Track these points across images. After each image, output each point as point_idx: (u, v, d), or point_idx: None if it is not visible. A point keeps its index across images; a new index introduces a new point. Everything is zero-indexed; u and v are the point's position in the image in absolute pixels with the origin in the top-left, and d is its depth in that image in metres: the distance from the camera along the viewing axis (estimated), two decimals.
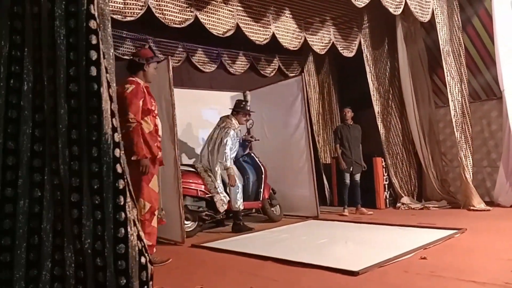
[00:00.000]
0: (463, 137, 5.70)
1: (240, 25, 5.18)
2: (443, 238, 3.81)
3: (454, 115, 5.66)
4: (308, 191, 5.68)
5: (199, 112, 6.22)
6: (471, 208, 5.46)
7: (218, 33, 4.95)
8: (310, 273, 3.02)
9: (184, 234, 4.31)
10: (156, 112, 3.61)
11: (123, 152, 1.70)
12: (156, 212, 3.50)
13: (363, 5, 4.96)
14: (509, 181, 5.49)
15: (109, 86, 1.71)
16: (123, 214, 1.61)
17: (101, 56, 1.67)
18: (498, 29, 5.39)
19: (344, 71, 7.58)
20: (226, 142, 4.97)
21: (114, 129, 1.65)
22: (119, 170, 1.63)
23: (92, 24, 1.64)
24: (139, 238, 1.64)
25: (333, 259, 3.33)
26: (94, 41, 1.65)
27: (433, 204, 6.14)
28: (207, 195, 4.88)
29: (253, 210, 5.66)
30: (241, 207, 5.03)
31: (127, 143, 3.20)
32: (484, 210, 5.35)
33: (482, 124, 6.32)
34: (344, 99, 7.62)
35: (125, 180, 1.64)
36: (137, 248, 1.61)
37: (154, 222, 3.51)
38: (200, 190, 4.86)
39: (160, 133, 3.64)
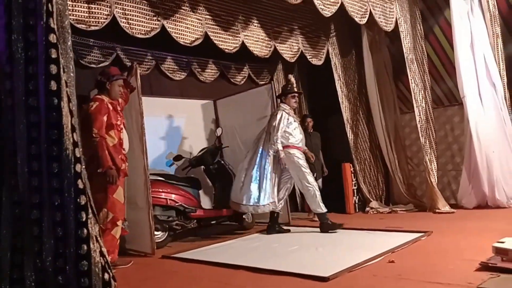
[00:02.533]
0: (427, 142, 5.88)
1: (209, 33, 5.18)
2: (410, 241, 3.90)
3: (419, 121, 5.83)
4: None
5: (170, 120, 6.16)
6: (437, 210, 5.62)
7: (185, 43, 4.93)
8: (281, 280, 3.03)
9: (154, 245, 4.24)
10: (121, 126, 3.82)
11: (84, 167, 1.67)
12: (119, 223, 3.66)
13: (330, 14, 5.06)
14: (471, 184, 5.69)
15: (69, 100, 1.68)
16: (85, 230, 1.57)
17: (61, 70, 1.63)
18: (457, 37, 5.58)
19: (313, 78, 7.69)
20: (274, 124, 4.86)
21: (75, 144, 1.62)
22: (81, 185, 1.60)
23: (52, 37, 1.60)
24: (101, 254, 1.61)
25: (304, 265, 3.36)
26: (54, 55, 1.61)
27: (400, 207, 6.29)
28: (177, 204, 4.83)
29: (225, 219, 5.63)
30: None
31: (94, 156, 3.38)
32: (449, 213, 5.52)
33: (446, 129, 6.55)
34: (313, 106, 7.73)
35: (87, 196, 1.61)
36: (100, 265, 1.58)
37: (116, 232, 3.66)
38: (170, 199, 4.81)
39: (124, 146, 3.84)
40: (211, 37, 5.20)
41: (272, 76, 7.44)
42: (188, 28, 4.97)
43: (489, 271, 2.70)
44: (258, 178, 4.88)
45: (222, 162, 5.63)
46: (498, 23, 5.59)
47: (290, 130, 4.93)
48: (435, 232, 4.22)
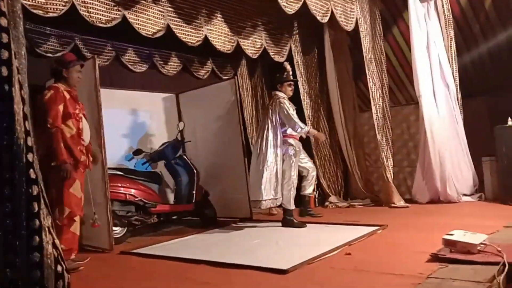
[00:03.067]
0: (384, 140, 6.07)
1: (171, 26, 5.09)
2: (367, 234, 4.03)
3: (376, 119, 6.01)
4: (241, 193, 5.73)
5: (130, 113, 6.03)
6: (392, 205, 5.82)
7: (147, 34, 4.82)
8: (241, 274, 3.05)
9: (113, 241, 4.14)
10: (80, 115, 3.63)
11: (36, 156, 1.60)
12: (76, 218, 3.50)
13: (293, 12, 5.10)
14: (425, 180, 5.94)
15: (21, 88, 1.60)
16: (37, 222, 1.51)
17: (13, 55, 1.56)
18: (414, 39, 5.78)
19: (277, 75, 7.74)
20: (286, 111, 4.78)
21: (27, 133, 1.55)
22: (33, 175, 1.53)
23: (3, 21, 1.52)
24: (54, 246, 1.56)
25: (264, 259, 3.40)
26: (4, 40, 1.54)
27: (358, 202, 6.48)
28: (136, 199, 4.75)
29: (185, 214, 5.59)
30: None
31: (49, 148, 3.25)
32: (404, 207, 5.74)
33: (403, 127, 6.80)
34: None
35: (39, 186, 1.55)
36: (52, 257, 1.52)
37: (74, 228, 3.52)
38: (129, 194, 4.71)
39: (84, 136, 3.66)
40: (174, 30, 5.11)
41: (236, 71, 7.42)
42: (150, 19, 4.86)
43: (439, 262, 2.84)
44: (266, 173, 4.77)
45: (184, 157, 5.58)
46: (452, 27, 5.84)
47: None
48: (390, 226, 4.38)
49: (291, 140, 4.96)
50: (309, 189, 5.48)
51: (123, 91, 5.86)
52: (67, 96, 3.56)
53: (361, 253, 3.40)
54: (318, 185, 6.77)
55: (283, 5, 4.89)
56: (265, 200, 4.70)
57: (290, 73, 5.26)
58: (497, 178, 5.47)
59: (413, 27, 5.76)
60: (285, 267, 3.01)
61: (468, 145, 5.80)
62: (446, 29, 5.83)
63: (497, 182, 5.49)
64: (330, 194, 6.75)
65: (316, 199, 6.72)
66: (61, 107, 3.47)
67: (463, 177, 5.77)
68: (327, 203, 6.60)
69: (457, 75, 5.88)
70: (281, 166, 4.83)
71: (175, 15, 5.13)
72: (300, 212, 5.33)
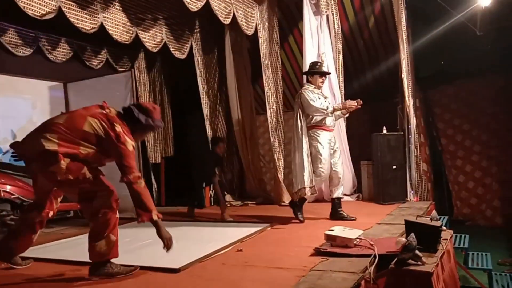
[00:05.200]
0: (277, 142, 6.37)
1: (63, 9, 4.67)
2: (258, 231, 4.21)
3: (270, 122, 6.29)
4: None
5: (9, 101, 5.42)
6: (282, 203, 6.16)
7: (34, 14, 4.34)
8: (134, 274, 2.95)
9: None
10: None
11: None
12: None
13: (196, 9, 5.07)
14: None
15: None
16: None
17: None
18: (307, 48, 6.11)
19: (176, 71, 7.65)
20: (306, 100, 4.51)
21: None
22: None
23: None
24: None
25: (156, 258, 3.32)
26: None
27: (251, 201, 6.71)
28: (13, 197, 4.29)
29: (71, 213, 5.21)
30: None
31: None
32: None
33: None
34: (176, 100, 7.68)
35: None
36: None
37: None
38: (4, 191, 4.24)
39: None
40: (66, 13, 4.71)
41: (133, 63, 7.14)
42: None
43: (321, 256, 3.10)
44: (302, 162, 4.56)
45: None
46: (341, 41, 6.37)
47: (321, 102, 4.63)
48: (279, 223, 4.63)
49: (319, 131, 4.70)
50: (336, 192, 4.93)
51: (2, 76, 5.25)
52: None
53: (252, 249, 3.54)
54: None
55: (187, 1, 4.85)
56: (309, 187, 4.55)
57: (323, 64, 5.13)
58: (373, 180, 6.12)
59: (306, 38, 6.08)
60: (177, 266, 3.00)
61: (350, 150, 6.35)
62: (335, 43, 6.32)
63: (372, 183, 6.14)
64: (226, 193, 6.87)
65: (212, 198, 6.79)
66: None
67: (344, 178, 6.31)
68: None
69: (343, 85, 6.41)
70: (310, 157, 4.61)
71: None
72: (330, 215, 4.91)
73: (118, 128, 2.90)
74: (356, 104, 4.63)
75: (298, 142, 4.62)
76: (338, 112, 4.77)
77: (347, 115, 5.04)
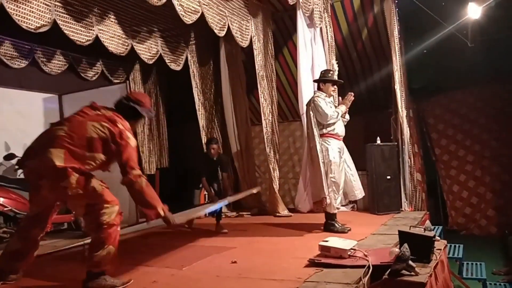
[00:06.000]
0: (272, 152, 6.39)
1: (58, 21, 4.69)
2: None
3: (265, 132, 6.31)
4: (129, 203, 5.50)
5: (3, 113, 5.41)
6: (277, 214, 6.16)
7: (28, 27, 4.37)
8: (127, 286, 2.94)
9: None
10: None
11: None
12: None
13: (191, 22, 5.10)
14: (306, 191, 6.37)
15: None
16: None
17: None
18: (301, 60, 6.17)
19: (172, 83, 7.68)
20: (320, 108, 4.46)
21: None
22: None
23: None
24: None
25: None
26: None
27: (246, 212, 6.70)
28: (5, 209, 4.26)
29: (65, 225, 5.18)
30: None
31: None
32: (287, 216, 6.11)
33: (289, 142, 7.27)
34: (171, 111, 7.70)
35: None
36: None
37: None
38: None
39: None
40: (61, 26, 4.73)
41: (128, 75, 7.16)
42: (33, 12, 4.42)
43: (315, 267, 3.10)
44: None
45: None
46: (334, 53, 6.43)
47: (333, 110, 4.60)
48: (274, 234, 4.62)
49: (330, 140, 4.63)
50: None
51: None
52: None
53: (246, 260, 3.53)
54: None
55: (181, 14, 4.89)
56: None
57: (336, 73, 5.10)
58: (367, 191, 6.13)
59: (300, 49, 6.12)
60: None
61: None
62: (329, 54, 6.38)
63: (366, 194, 6.15)
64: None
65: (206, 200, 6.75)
66: None
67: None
68: None
69: (337, 96, 6.45)
70: (324, 168, 4.52)
71: (63, 11, 4.75)
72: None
73: (120, 125, 2.94)
74: (349, 97, 4.73)
75: (312, 150, 4.54)
76: (345, 105, 4.76)
77: (346, 122, 4.97)
